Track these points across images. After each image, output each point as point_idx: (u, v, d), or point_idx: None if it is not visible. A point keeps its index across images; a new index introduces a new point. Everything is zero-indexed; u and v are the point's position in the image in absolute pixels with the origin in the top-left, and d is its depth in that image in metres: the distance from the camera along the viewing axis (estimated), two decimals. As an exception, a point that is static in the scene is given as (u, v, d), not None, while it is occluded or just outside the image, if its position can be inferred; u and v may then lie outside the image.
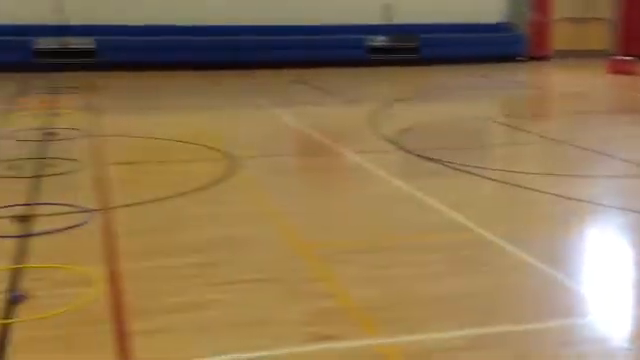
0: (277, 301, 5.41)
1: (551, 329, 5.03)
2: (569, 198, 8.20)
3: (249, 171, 9.67)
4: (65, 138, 11.42)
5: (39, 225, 7.08)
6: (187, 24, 22.28)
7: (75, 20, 21.32)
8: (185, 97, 16.93)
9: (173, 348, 4.67)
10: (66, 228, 6.95)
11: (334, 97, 17.25)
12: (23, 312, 5.11)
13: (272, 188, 8.79)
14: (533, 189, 8.67)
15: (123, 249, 6.44)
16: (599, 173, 9.80)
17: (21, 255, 6.30)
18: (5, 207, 7.53)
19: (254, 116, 14.49)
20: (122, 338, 4.75)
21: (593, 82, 20.73)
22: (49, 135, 11.50)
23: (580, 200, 8.17)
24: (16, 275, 5.81)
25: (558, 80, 22.91)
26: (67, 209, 7.59)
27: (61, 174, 9.15)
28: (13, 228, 6.95)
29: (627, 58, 21.97)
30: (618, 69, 21.44)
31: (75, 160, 9.78)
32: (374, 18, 23.85)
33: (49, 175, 9.07)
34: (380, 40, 23.94)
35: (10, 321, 4.96)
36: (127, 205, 7.82)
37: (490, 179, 9.27)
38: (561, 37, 26.18)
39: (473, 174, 9.41)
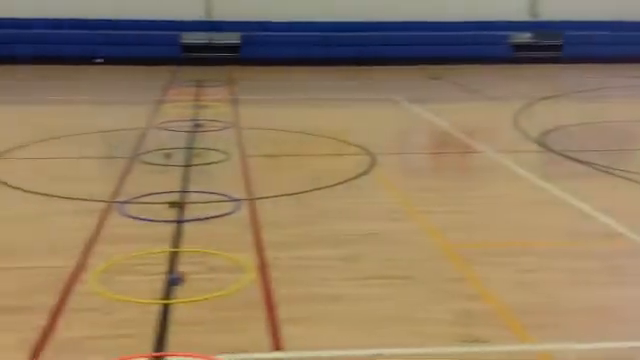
0: (422, 299, 5.42)
1: None
2: None
3: (387, 167, 9.70)
4: (211, 129, 11.96)
5: (191, 212, 7.49)
6: (324, 20, 22.67)
7: (222, 16, 22.30)
8: (320, 91, 17.20)
9: (320, 338, 4.81)
10: (217, 216, 7.31)
11: (474, 94, 16.92)
12: (181, 294, 5.44)
13: (410, 185, 8.79)
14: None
15: (269, 239, 6.67)
16: None
17: (177, 240, 6.70)
18: (161, 193, 8.04)
19: (391, 112, 14.48)
20: (274, 324, 4.94)
21: None
22: (197, 126, 12.09)
23: None
24: (174, 258, 6.19)
25: None
26: (216, 197, 7.98)
27: (209, 164, 9.61)
28: (169, 214, 7.40)
29: None
30: None
31: (221, 151, 10.24)
32: (518, 14, 23.18)
33: (198, 165, 9.56)
34: (524, 37, 23.25)
35: (170, 302, 5.30)
36: (270, 196, 8.09)
37: (643, 184, 8.80)
38: None
39: (624, 178, 8.95)
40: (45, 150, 10.37)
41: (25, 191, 8.09)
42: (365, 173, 9.19)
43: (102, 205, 7.64)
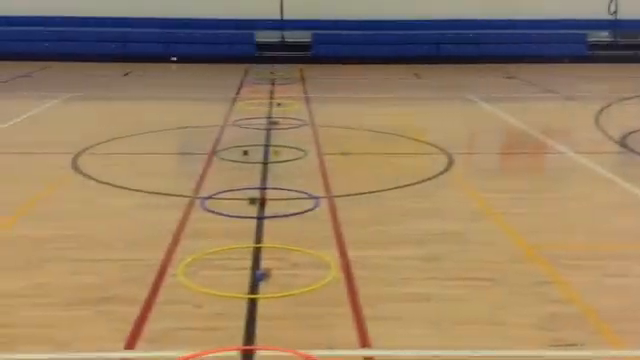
0: (507, 302, 5.35)
1: None
2: None
3: (464, 167, 9.62)
4: (287, 127, 12.10)
5: (271, 208, 7.60)
6: (392, 18, 22.59)
7: (294, 15, 22.51)
8: (392, 90, 17.14)
9: (407, 337, 4.81)
10: (297, 213, 7.40)
11: (550, 94, 16.54)
12: (267, 289, 5.54)
13: (489, 186, 8.66)
14: None
15: (349, 237, 6.71)
16: None
17: (258, 235, 6.82)
18: (241, 190, 8.19)
19: (465, 111, 14.32)
20: (360, 322, 4.98)
21: None
22: (272, 124, 12.24)
23: None
24: (257, 254, 6.31)
25: None
26: (295, 195, 8.08)
27: (286, 161, 9.73)
28: (250, 210, 7.53)
29: None
30: None
31: (298, 148, 10.34)
32: (596, 13, 22.54)
33: (276, 162, 9.69)
34: (602, 36, 22.59)
35: (257, 297, 5.41)
36: (349, 195, 8.13)
37: None
38: None
39: None
40: (128, 146, 10.70)
41: (112, 186, 8.38)
42: (443, 173, 9.12)
43: (185, 200, 7.85)
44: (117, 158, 10.02)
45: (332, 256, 6.20)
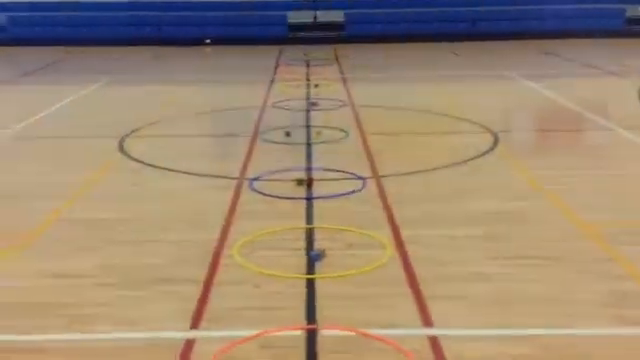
0: (569, 280, 5.29)
1: None
2: None
3: (510, 145, 9.50)
4: (326, 108, 12.05)
5: (318, 189, 7.60)
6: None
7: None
8: (428, 68, 16.99)
9: (471, 316, 4.78)
10: (346, 193, 7.39)
11: (590, 69, 16.26)
12: (323, 269, 5.54)
13: (537, 164, 8.53)
14: None
15: (401, 216, 6.68)
16: None
17: (309, 216, 6.82)
18: (287, 171, 8.19)
19: (506, 88, 14.12)
20: (421, 301, 4.97)
21: None
22: (312, 104, 12.21)
23: None
24: (310, 235, 6.31)
25: None
26: (341, 175, 8.06)
27: (329, 142, 9.70)
28: (298, 191, 7.54)
29: None
30: None
31: (340, 129, 10.31)
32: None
33: (319, 142, 9.66)
34: (639, 10, 22.09)
35: (314, 277, 5.42)
36: (396, 174, 8.09)
37: None
38: None
39: None
40: (170, 128, 10.77)
41: (160, 168, 8.44)
42: (489, 151, 9.03)
43: (233, 182, 7.88)
44: (161, 141, 10.09)
45: (386, 236, 6.18)
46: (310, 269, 5.55)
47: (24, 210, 7.07)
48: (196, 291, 5.16)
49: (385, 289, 5.21)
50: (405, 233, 6.23)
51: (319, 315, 4.84)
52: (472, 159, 8.66)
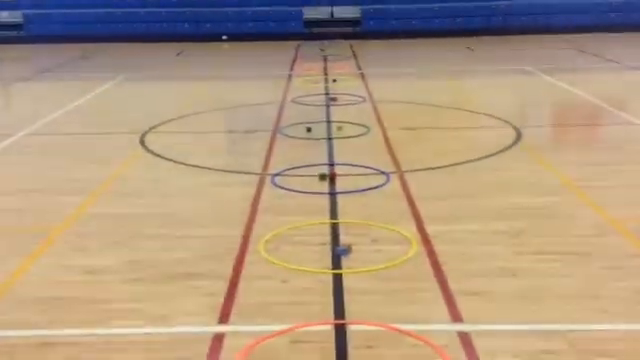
0: (599, 276, 5.24)
1: None
2: None
3: (533, 140, 9.42)
4: (346, 103, 12.02)
5: (341, 184, 7.57)
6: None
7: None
8: (446, 63, 16.89)
9: (500, 312, 4.74)
10: (369, 189, 7.36)
11: (610, 64, 16.12)
12: (350, 264, 5.52)
13: (562, 159, 8.46)
14: None
15: (426, 211, 6.64)
16: None
17: (333, 211, 6.80)
18: (309, 166, 8.17)
19: (526, 83, 14.04)
20: (448, 297, 4.93)
21: None
22: (332, 100, 12.18)
23: None
24: (334, 230, 6.29)
25: None
26: (364, 171, 8.03)
27: (350, 137, 9.67)
28: (321, 186, 7.52)
29: None
30: None
31: (360, 124, 10.27)
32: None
33: (340, 138, 9.63)
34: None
35: (341, 272, 5.40)
36: (417, 169, 8.05)
37: None
38: None
39: None
40: (190, 124, 10.78)
41: (181, 164, 8.45)
42: (512, 146, 8.97)
43: (255, 177, 7.87)
44: (181, 137, 10.10)
45: (411, 231, 6.15)
46: (336, 264, 5.54)
47: (49, 205, 7.09)
48: (223, 286, 5.15)
49: (412, 284, 5.18)
50: (430, 228, 6.20)
51: (348, 310, 4.83)
52: (495, 154, 8.60)
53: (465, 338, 4.41)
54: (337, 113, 11.22)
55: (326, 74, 15.46)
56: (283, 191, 7.40)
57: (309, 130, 9.97)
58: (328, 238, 6.08)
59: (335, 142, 9.44)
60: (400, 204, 6.93)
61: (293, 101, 12.30)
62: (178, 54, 19.61)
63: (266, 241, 5.98)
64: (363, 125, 10.23)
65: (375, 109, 11.53)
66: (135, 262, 5.62)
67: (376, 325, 4.57)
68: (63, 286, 5.25)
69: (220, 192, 7.44)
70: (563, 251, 5.69)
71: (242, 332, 4.54)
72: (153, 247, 5.93)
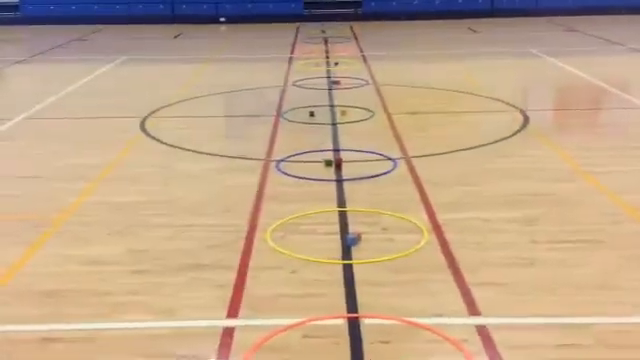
0: (618, 265, 5.09)
1: None
2: None
3: (541, 124, 9.25)
4: (349, 86, 11.81)
5: (348, 170, 7.38)
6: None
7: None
8: (449, 46, 16.64)
9: (514, 304, 4.59)
10: (377, 175, 7.18)
11: (614, 46, 15.90)
12: (360, 254, 5.36)
13: (571, 143, 8.26)
14: None
15: (436, 199, 6.47)
16: None
17: (340, 199, 6.63)
18: (314, 152, 7.99)
19: (529, 65, 13.82)
20: (463, 288, 4.78)
21: None
22: (334, 83, 11.97)
23: None
24: (344, 218, 6.12)
25: None
26: (370, 156, 7.85)
27: (355, 122, 9.48)
28: (327, 172, 7.34)
29: None
30: None
31: (364, 108, 10.08)
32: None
33: (345, 122, 9.44)
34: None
35: (352, 262, 5.23)
36: (425, 155, 7.87)
37: None
38: None
39: None
40: (192, 108, 10.57)
41: (183, 149, 8.26)
42: (520, 130, 8.79)
43: (259, 163, 7.69)
44: (182, 121, 9.89)
45: (421, 219, 5.99)
46: (346, 254, 5.38)
47: (48, 193, 6.91)
48: (231, 277, 4.99)
49: (425, 275, 5.02)
50: (441, 216, 6.03)
51: (360, 302, 4.67)
52: (504, 139, 8.42)
53: (483, 332, 4.26)
54: (340, 97, 11.01)
55: (327, 57, 15.23)
56: (288, 178, 7.22)
57: (312, 114, 9.77)
58: (336, 227, 5.91)
59: (339, 127, 9.24)
60: (409, 191, 6.76)
61: (295, 84, 12.09)
62: (176, 36, 19.33)
63: (273, 230, 5.81)
64: (367, 109, 10.03)
65: (379, 93, 11.32)
66: (139, 252, 5.45)
67: (391, 319, 4.41)
68: (64, 278, 5.07)
69: (224, 179, 7.25)
70: (578, 239, 5.54)
71: (253, 326, 4.38)
72: (157, 236, 5.75)
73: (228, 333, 4.30)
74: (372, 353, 4.07)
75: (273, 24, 20.92)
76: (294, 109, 10.17)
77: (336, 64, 14.05)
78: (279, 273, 5.09)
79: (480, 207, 6.29)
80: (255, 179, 7.16)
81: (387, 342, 4.20)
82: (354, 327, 4.36)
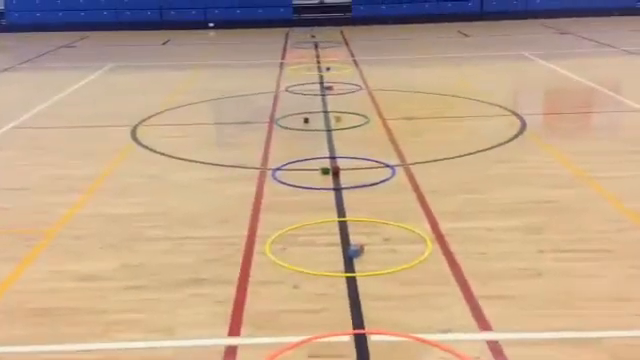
0: (629, 276, 4.96)
1: None
2: None
3: (539, 129, 9.15)
4: (342, 92, 11.65)
5: (346, 178, 7.22)
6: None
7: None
8: (438, 50, 16.51)
9: (525, 318, 4.44)
10: (376, 183, 7.02)
11: (607, 48, 15.85)
12: (363, 266, 5.20)
13: (571, 148, 8.13)
14: None
15: (437, 207, 6.32)
16: None
17: (340, 208, 6.46)
18: (310, 160, 7.83)
19: (522, 68, 13.74)
20: (472, 302, 4.62)
21: None
22: (327, 89, 11.82)
23: None
24: (344, 228, 5.95)
25: None
26: (368, 164, 7.70)
27: (350, 128, 9.33)
28: (324, 180, 7.18)
29: None
30: None
31: (359, 114, 9.93)
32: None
33: (340, 129, 9.28)
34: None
35: (355, 275, 5.06)
36: (424, 162, 7.73)
37: None
38: None
39: None
40: (183, 116, 10.37)
41: (176, 158, 8.08)
42: (518, 135, 8.67)
43: (254, 172, 7.51)
44: (174, 129, 9.70)
45: (423, 229, 5.84)
46: (349, 266, 5.22)
47: (38, 205, 6.70)
48: (231, 293, 4.81)
49: (431, 288, 4.87)
50: (443, 226, 5.88)
51: (365, 318, 4.51)
52: (502, 144, 8.30)
53: (496, 348, 4.10)
54: (334, 103, 10.86)
55: (319, 62, 15.08)
56: (285, 187, 7.06)
57: (307, 121, 9.61)
58: (337, 237, 5.75)
59: (334, 134, 9.09)
60: (409, 199, 6.61)
61: (287, 90, 11.93)
62: (165, 42, 19.12)
63: (272, 242, 5.64)
64: (362, 115, 9.89)
65: (372, 98, 11.18)
66: (134, 267, 5.25)
67: (399, 335, 4.25)
68: (56, 295, 4.88)
69: (219, 189, 7.07)
70: (585, 249, 5.41)
71: (256, 345, 4.21)
72: (153, 250, 5.56)
73: (231, 352, 4.12)
74: (381, 372, 3.92)
75: (262, 29, 20.74)
76: (288, 116, 10.00)
77: (328, 69, 13.91)
78: (281, 288, 4.91)
79: (482, 215, 6.14)
80: (251, 189, 6.98)
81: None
82: (361, 344, 4.19)
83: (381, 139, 8.76)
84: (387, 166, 7.56)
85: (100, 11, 21.45)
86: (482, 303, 4.61)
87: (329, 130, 9.25)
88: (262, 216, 6.27)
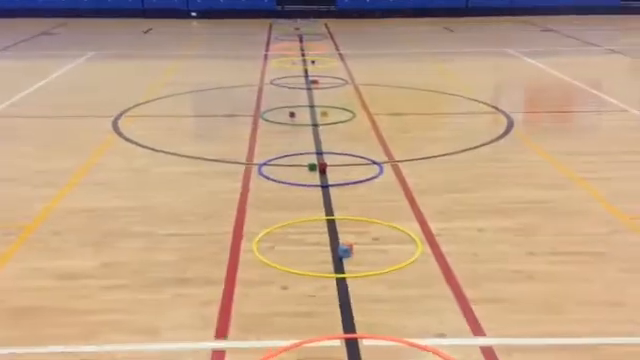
0: (622, 279, 4.89)
1: None
2: None
3: (527, 127, 9.09)
4: (328, 86, 11.50)
5: (333, 175, 7.10)
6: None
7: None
8: (423, 45, 16.36)
9: (517, 323, 4.35)
10: (364, 180, 6.91)
11: (590, 47, 15.86)
12: (353, 267, 5.08)
13: (559, 147, 8.05)
14: None
15: (427, 207, 6.22)
16: None
17: (327, 206, 6.33)
18: (296, 155, 7.69)
19: (507, 66, 13.66)
20: (465, 306, 4.53)
21: None
22: (313, 83, 11.66)
23: None
24: (333, 227, 5.83)
25: None
26: (355, 160, 7.57)
27: (336, 123, 9.19)
28: (311, 177, 7.04)
29: None
30: None
31: (345, 109, 9.80)
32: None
33: (326, 124, 9.14)
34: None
35: (345, 276, 4.95)
36: (411, 159, 7.62)
37: None
38: None
39: None
40: (166, 108, 10.16)
41: (160, 152, 7.89)
42: (506, 134, 8.60)
43: (240, 167, 7.35)
44: (158, 121, 9.48)
45: (413, 228, 5.73)
46: (338, 267, 5.09)
47: (15, 200, 6.48)
48: (217, 293, 4.67)
49: (423, 290, 4.76)
50: (433, 225, 5.78)
51: (356, 321, 4.39)
52: (490, 142, 8.22)
53: (489, 354, 4.02)
54: (319, 97, 10.71)
55: (303, 54, 14.90)
56: (271, 183, 6.91)
57: (292, 115, 9.46)
58: (326, 236, 5.63)
59: (321, 129, 8.95)
60: (397, 198, 6.50)
61: (272, 83, 11.75)
62: (146, 31, 18.81)
63: (259, 240, 5.51)
64: (348, 110, 9.76)
65: (359, 93, 11.05)
66: (116, 265, 5.09)
67: (391, 340, 4.14)
68: (35, 295, 4.70)
69: (204, 184, 6.90)
70: (577, 251, 5.34)
71: (243, 348, 4.08)
72: (136, 248, 5.39)
73: (218, 357, 3.99)
74: (374, 379, 3.82)
75: (245, 20, 20.49)
76: (273, 109, 9.84)
77: (313, 62, 13.74)
78: (269, 289, 4.78)
79: (472, 216, 6.05)
80: (237, 184, 6.83)
81: (389, 366, 3.94)
82: (352, 349, 4.08)
83: (368, 135, 8.63)
84: (375, 163, 7.44)
85: (79, -2, 21.06)
86: (474, 307, 4.52)
87: (315, 125, 9.10)
88: (248, 212, 6.12)
